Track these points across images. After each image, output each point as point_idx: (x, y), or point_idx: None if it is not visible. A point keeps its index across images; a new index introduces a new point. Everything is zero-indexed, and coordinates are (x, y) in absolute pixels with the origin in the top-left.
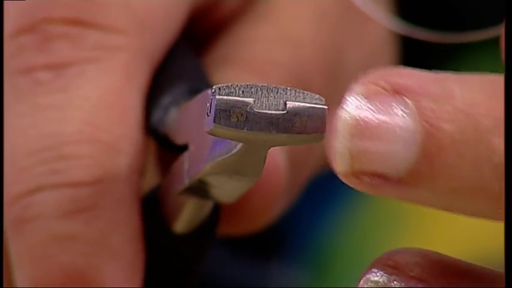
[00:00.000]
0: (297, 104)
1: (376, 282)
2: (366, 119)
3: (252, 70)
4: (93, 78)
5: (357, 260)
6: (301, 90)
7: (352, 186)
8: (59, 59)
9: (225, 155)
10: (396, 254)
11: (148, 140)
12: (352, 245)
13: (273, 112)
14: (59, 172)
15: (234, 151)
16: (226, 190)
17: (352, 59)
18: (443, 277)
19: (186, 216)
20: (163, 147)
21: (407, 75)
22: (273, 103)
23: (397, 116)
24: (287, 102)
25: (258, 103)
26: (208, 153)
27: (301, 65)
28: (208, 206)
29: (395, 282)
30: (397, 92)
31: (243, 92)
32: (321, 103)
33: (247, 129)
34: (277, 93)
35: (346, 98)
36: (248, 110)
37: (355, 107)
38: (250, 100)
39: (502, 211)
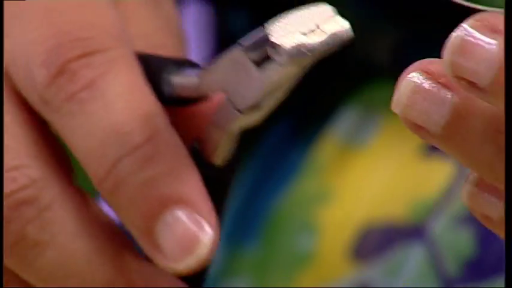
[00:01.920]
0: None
1: (414, 82)
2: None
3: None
4: (115, 81)
5: (292, 222)
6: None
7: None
8: (88, 79)
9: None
10: (429, 63)
11: None
12: (289, 209)
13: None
14: (125, 144)
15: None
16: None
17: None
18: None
19: (221, 152)
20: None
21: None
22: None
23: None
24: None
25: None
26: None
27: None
28: (234, 147)
29: (428, 83)
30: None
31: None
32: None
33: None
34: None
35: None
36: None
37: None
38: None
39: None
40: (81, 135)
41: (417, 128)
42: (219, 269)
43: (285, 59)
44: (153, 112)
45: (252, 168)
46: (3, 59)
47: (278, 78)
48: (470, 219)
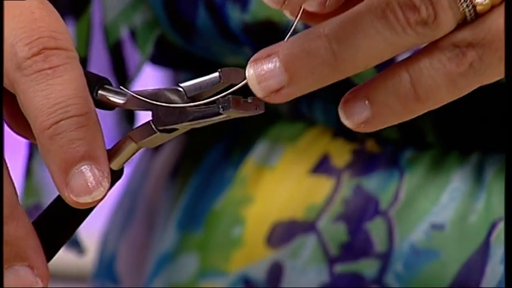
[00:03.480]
0: None
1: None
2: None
3: None
4: (71, 71)
5: (226, 216)
6: None
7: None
8: (55, 64)
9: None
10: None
11: None
12: (224, 207)
13: None
14: (69, 111)
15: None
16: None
17: None
18: None
19: (122, 159)
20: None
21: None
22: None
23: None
24: None
25: None
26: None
27: None
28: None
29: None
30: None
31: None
32: None
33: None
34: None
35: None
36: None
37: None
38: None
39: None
40: (40, 96)
41: (277, 94)
42: (173, 248)
43: (228, 112)
44: (89, 99)
45: (197, 178)
46: (3, 58)
47: (210, 120)
48: (343, 217)
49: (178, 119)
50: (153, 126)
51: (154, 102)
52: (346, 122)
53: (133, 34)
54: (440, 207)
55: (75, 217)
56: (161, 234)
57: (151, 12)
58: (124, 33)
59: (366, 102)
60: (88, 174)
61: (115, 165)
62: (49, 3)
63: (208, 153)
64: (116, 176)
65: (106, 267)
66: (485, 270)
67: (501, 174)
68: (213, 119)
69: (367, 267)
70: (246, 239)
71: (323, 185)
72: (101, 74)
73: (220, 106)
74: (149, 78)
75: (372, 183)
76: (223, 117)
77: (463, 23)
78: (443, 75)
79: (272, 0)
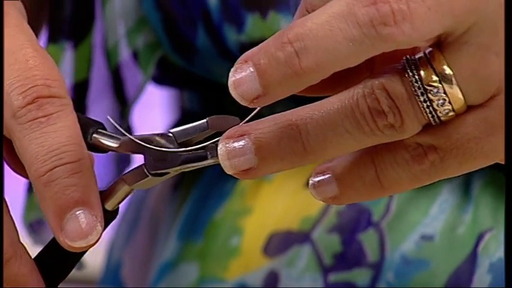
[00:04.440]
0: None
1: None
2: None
3: None
4: (65, 118)
5: (225, 227)
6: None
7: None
8: (49, 112)
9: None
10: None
11: None
12: (223, 218)
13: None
14: (63, 158)
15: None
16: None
17: None
18: None
19: (116, 201)
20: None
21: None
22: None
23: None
24: None
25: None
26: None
27: None
28: (125, 199)
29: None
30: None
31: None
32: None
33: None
34: None
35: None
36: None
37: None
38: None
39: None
40: (35, 144)
41: (245, 173)
42: (174, 256)
43: (215, 158)
44: (82, 145)
45: (198, 190)
46: (3, 59)
47: (199, 165)
48: (337, 228)
49: (169, 163)
50: (145, 170)
51: (148, 146)
52: (316, 197)
53: (136, 55)
54: (430, 219)
55: (72, 255)
56: (163, 243)
57: (154, 35)
58: (126, 55)
59: (334, 182)
60: (82, 219)
61: (109, 206)
62: (44, 51)
63: (208, 167)
64: (110, 216)
65: (112, 274)
66: (472, 280)
67: (487, 188)
68: (201, 163)
69: (360, 277)
70: (243, 249)
71: None
72: (102, 96)
73: (208, 152)
74: (151, 97)
75: None
76: (211, 162)
77: (428, 125)
78: (406, 171)
79: (242, 99)
